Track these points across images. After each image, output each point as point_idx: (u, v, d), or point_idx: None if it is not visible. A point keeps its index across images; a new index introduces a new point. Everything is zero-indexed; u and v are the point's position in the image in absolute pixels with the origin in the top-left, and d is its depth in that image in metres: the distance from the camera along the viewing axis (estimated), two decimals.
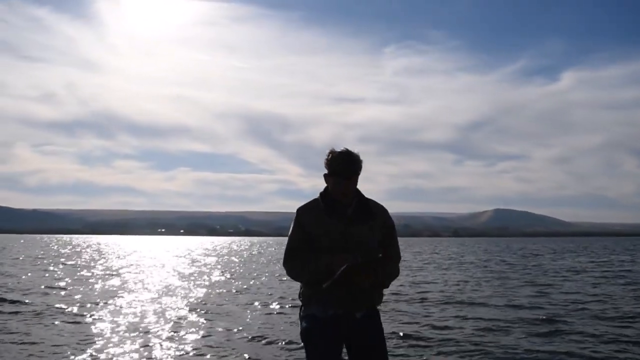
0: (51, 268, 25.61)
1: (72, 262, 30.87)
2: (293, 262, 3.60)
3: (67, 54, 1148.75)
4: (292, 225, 3.65)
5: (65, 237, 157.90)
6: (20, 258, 35.06)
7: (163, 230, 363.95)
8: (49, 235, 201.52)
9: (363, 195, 3.69)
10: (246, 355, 7.81)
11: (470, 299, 13.97)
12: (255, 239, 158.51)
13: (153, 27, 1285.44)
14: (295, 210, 3.67)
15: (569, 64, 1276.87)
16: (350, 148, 3.59)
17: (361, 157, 3.59)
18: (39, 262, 30.35)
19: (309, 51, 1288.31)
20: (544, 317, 10.76)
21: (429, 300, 13.79)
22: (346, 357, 3.69)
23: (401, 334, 9.26)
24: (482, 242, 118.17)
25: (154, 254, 45.54)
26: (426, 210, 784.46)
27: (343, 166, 3.52)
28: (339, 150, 3.58)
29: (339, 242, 3.49)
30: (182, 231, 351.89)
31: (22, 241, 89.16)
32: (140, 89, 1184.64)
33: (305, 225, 3.57)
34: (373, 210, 3.65)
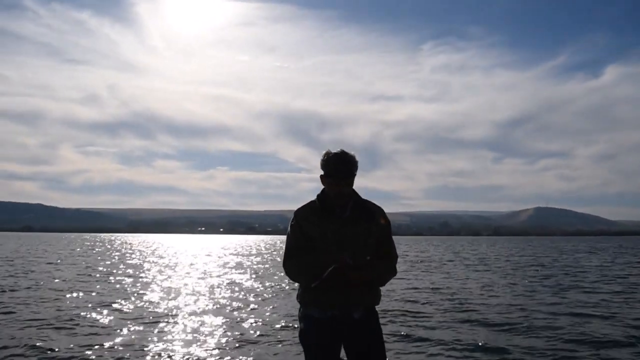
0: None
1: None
2: (290, 263, 3.65)
3: (108, 56, 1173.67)
4: (289, 227, 3.68)
5: (112, 236, 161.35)
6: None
7: (203, 228, 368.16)
8: (100, 235, 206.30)
9: (359, 196, 3.71)
10: (246, 355, 7.88)
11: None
12: None
13: (192, 28, 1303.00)
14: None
15: (612, 58, 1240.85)
16: (347, 149, 3.60)
17: (357, 158, 3.59)
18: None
19: (346, 50, 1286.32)
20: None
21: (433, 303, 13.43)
22: (344, 358, 3.70)
23: (402, 333, 9.28)
24: (522, 241, 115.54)
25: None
26: (465, 208, 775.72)
27: (338, 167, 3.53)
28: (334, 151, 3.58)
29: (333, 243, 3.52)
30: (221, 230, 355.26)
31: (88, 241, 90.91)
32: (179, 90, 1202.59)
33: (302, 227, 3.60)
34: (370, 211, 3.66)
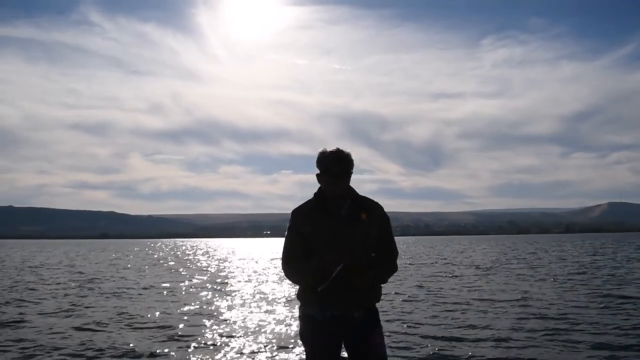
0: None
1: None
2: (289, 265, 3.64)
3: (172, 66, 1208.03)
4: (287, 227, 3.68)
5: (183, 241, 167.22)
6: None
7: (268, 232, 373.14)
8: (170, 240, 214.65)
9: (357, 194, 3.70)
10: (246, 354, 8.04)
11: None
12: None
13: (251, 34, 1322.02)
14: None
15: None
16: (342, 147, 3.62)
17: (352, 157, 3.60)
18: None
19: (405, 48, 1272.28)
20: None
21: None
22: (346, 357, 3.72)
23: (402, 333, 9.40)
24: (601, 238, 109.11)
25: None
26: (533, 206, 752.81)
27: (333, 165, 3.54)
28: (330, 149, 3.61)
29: (331, 242, 3.52)
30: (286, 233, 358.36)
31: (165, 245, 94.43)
32: (241, 95, 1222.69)
33: (299, 226, 3.60)
34: (368, 208, 3.65)
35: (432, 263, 32.31)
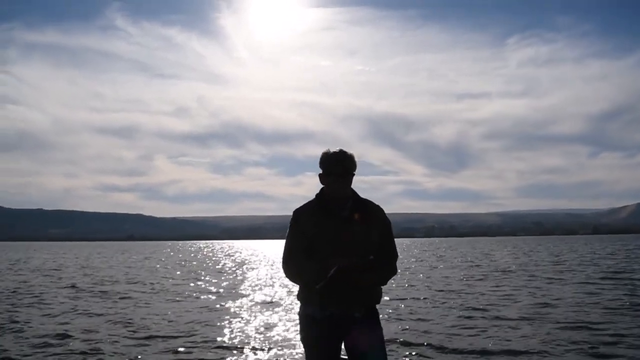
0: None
1: None
2: (290, 264, 3.64)
3: (196, 69, 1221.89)
4: (289, 227, 3.69)
5: (209, 243, 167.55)
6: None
7: None
8: (196, 242, 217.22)
9: (359, 196, 3.71)
10: (245, 354, 8.03)
11: None
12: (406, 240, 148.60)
13: (274, 37, 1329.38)
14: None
15: None
16: (345, 149, 3.63)
17: (356, 159, 3.62)
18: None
19: (429, 49, 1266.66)
20: None
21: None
22: (345, 357, 3.70)
23: (402, 334, 9.28)
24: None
25: None
26: (560, 207, 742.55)
27: (337, 165, 3.56)
28: (333, 150, 3.62)
29: (334, 242, 3.52)
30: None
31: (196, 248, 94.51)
32: (265, 98, 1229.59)
33: (302, 226, 3.62)
34: (369, 210, 3.65)
35: (448, 266, 32.07)
